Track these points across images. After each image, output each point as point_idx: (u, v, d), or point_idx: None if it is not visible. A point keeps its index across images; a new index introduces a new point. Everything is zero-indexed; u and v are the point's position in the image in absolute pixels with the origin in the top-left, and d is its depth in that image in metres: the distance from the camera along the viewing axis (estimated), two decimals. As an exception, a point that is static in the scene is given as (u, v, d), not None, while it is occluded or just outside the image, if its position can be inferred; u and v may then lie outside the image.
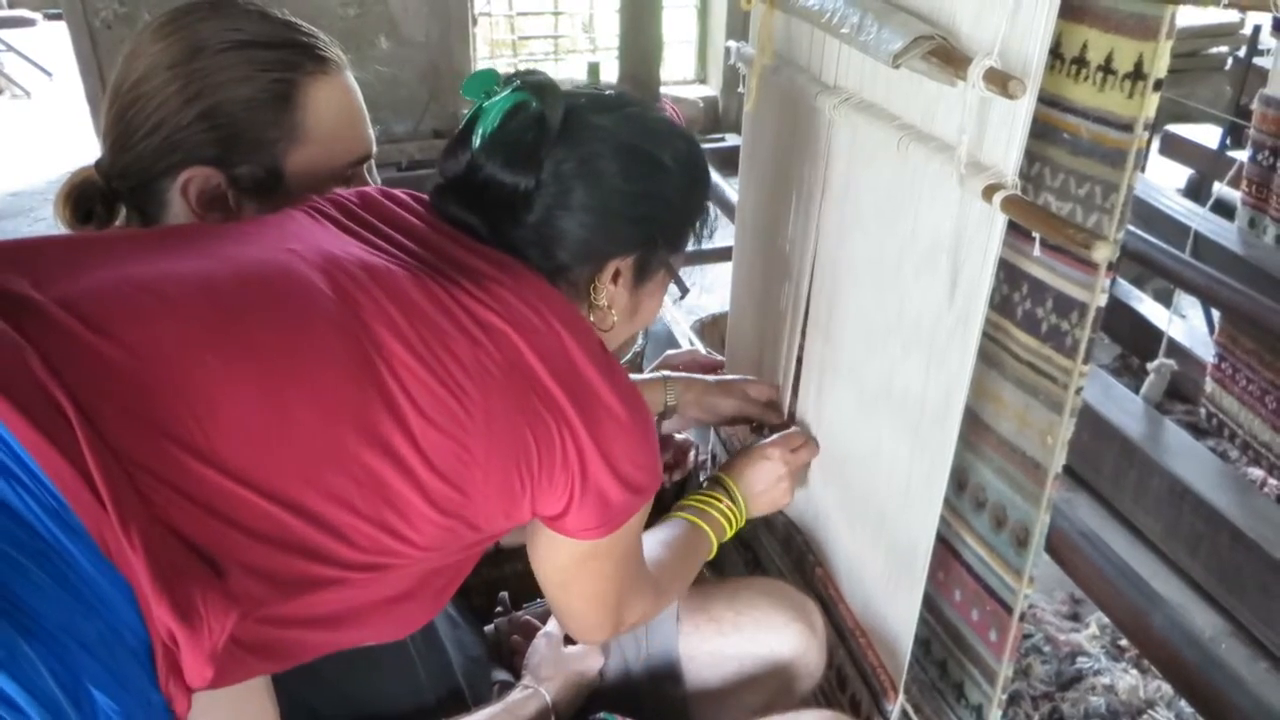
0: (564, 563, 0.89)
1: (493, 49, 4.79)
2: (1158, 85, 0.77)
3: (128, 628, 0.63)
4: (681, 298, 1.04)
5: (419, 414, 0.73)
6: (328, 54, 0.97)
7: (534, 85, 0.88)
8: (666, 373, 1.30)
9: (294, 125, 0.94)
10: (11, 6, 6.46)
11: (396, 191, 0.91)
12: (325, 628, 0.76)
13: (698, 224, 0.97)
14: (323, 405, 0.71)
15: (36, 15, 6.27)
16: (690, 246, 0.98)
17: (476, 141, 0.87)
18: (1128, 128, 0.80)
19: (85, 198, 0.95)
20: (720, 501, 1.15)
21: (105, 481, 0.62)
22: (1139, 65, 0.77)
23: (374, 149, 1.02)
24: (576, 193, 0.86)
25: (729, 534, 1.15)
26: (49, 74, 5.65)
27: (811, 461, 1.25)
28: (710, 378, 1.32)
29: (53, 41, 5.54)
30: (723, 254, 2.31)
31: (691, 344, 2.00)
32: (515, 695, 1.05)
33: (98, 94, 3.71)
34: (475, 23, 4.08)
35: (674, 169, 0.91)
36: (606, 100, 0.92)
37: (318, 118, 0.95)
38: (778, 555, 1.40)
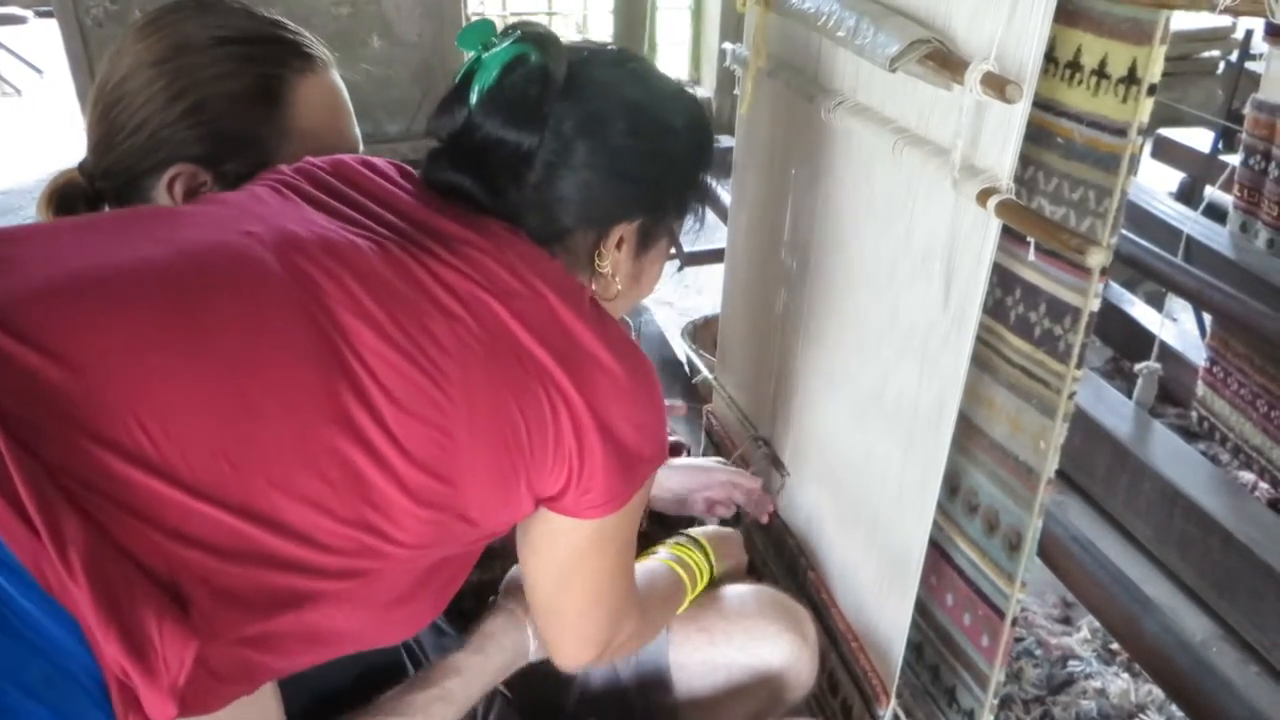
0: (564, 555, 0.84)
1: (486, 49, 4.77)
2: (1152, 90, 0.77)
3: (79, 665, 0.59)
4: (681, 269, 1.02)
5: (391, 402, 0.68)
6: (314, 51, 0.97)
7: (534, 36, 0.81)
8: None
9: (282, 122, 0.93)
10: (2, 4, 6.42)
11: (375, 159, 0.86)
12: (313, 641, 0.72)
13: (702, 190, 0.92)
14: (285, 402, 0.66)
15: (27, 13, 6.25)
16: (692, 220, 0.94)
17: (473, 98, 0.80)
18: (1121, 132, 0.79)
19: (68, 199, 0.94)
20: (696, 555, 1.13)
21: (39, 510, 0.57)
22: (1133, 70, 0.77)
23: (361, 148, 1.01)
24: (580, 151, 0.80)
25: (697, 591, 1.12)
26: (40, 72, 5.62)
27: (802, 465, 1.25)
28: (672, 466, 1.30)
29: (44, 39, 5.50)
30: (715, 255, 2.31)
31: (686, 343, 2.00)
32: (495, 620, 0.99)
33: (89, 92, 3.70)
34: (468, 22, 4.07)
35: (682, 130, 0.86)
36: (610, 55, 0.86)
37: (306, 114, 0.94)
38: (771, 559, 1.39)
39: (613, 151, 0.82)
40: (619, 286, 0.88)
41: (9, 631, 0.58)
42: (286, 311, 0.68)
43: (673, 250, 0.94)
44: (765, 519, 1.32)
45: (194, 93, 0.90)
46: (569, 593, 0.88)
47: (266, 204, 0.78)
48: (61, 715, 0.58)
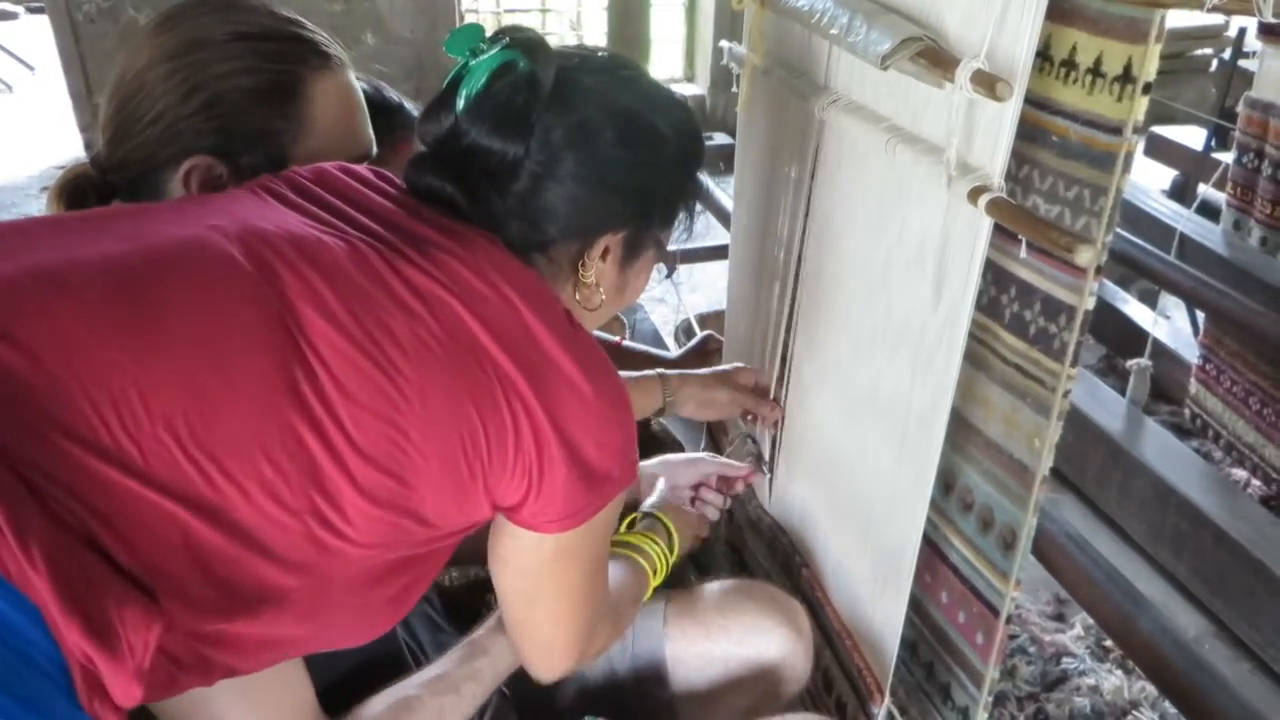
0: (530, 569, 0.83)
1: (480, 46, 4.77)
2: (1147, 89, 0.77)
3: (39, 652, 0.59)
4: (668, 276, 1.01)
5: (344, 394, 0.68)
6: (331, 50, 0.98)
7: (523, 43, 0.80)
8: (662, 370, 1.29)
9: (299, 118, 0.94)
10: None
11: (357, 167, 0.86)
12: (267, 643, 0.72)
13: (691, 199, 0.91)
14: (240, 389, 0.66)
15: (18, 8, 6.22)
16: (680, 227, 0.93)
17: (460, 104, 0.79)
18: (1117, 131, 0.79)
19: (79, 192, 0.95)
20: (658, 543, 1.11)
21: (0, 503, 0.57)
22: (1128, 68, 0.77)
23: (374, 150, 1.02)
24: (568, 162, 0.80)
25: (659, 579, 1.10)
26: (31, 68, 5.59)
27: (796, 463, 1.25)
28: (704, 371, 1.31)
29: (35, 35, 5.49)
30: (711, 253, 2.31)
31: (679, 343, 2.00)
32: None
33: (80, 88, 3.68)
34: (462, 19, 4.07)
35: (671, 137, 0.85)
36: (599, 62, 0.85)
37: (322, 111, 0.95)
38: (764, 556, 1.39)
39: (600, 162, 0.81)
40: (603, 297, 0.87)
41: None
42: (244, 300, 0.68)
43: (662, 257, 0.93)
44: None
45: (212, 86, 0.91)
46: (538, 606, 0.86)
47: (241, 202, 0.78)
48: (22, 702, 0.58)
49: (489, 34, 0.83)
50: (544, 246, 0.83)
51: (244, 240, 0.71)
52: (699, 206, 0.94)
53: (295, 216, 0.76)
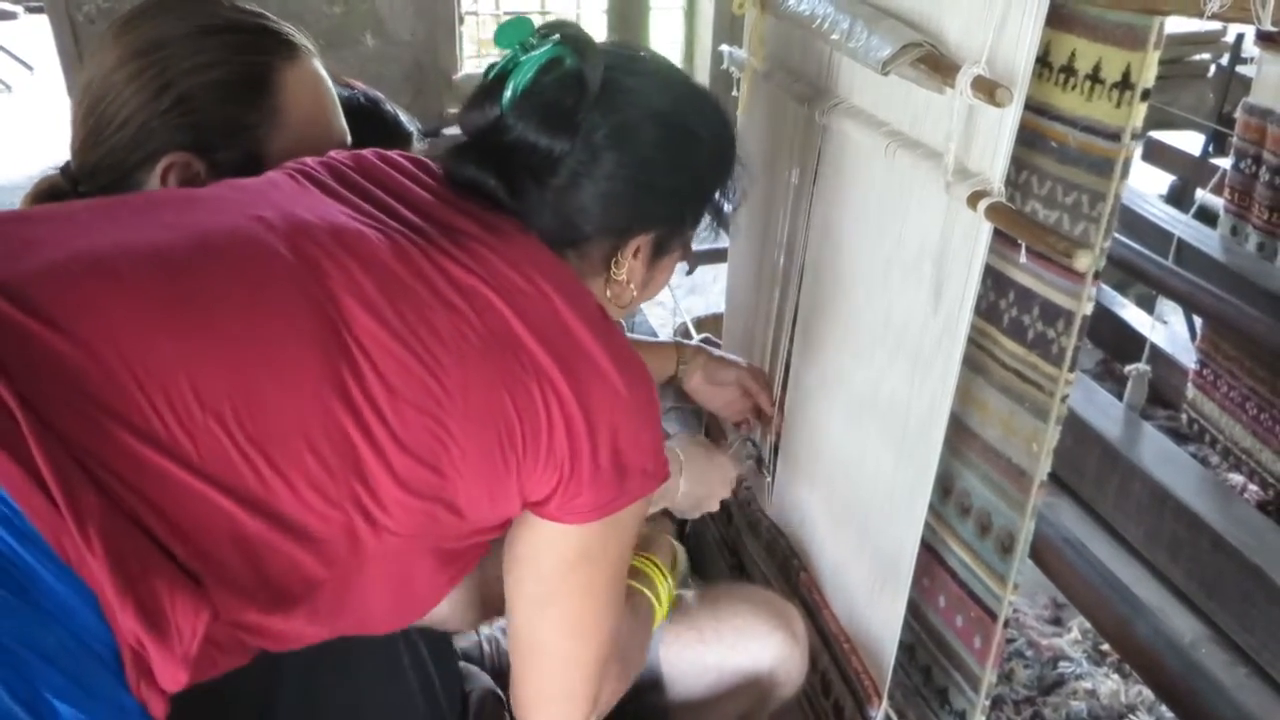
0: (547, 568, 0.80)
1: (479, 48, 4.77)
2: (1145, 95, 0.77)
3: (93, 635, 0.61)
4: (689, 272, 1.02)
5: (387, 387, 0.69)
6: (296, 40, 0.98)
7: (573, 40, 0.81)
8: (679, 339, 1.30)
9: (272, 110, 0.93)
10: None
11: (393, 154, 0.86)
12: (302, 634, 0.73)
13: (722, 201, 0.92)
14: (286, 381, 0.67)
15: (17, 8, 6.22)
16: (708, 226, 0.94)
17: (507, 97, 0.80)
18: (1115, 137, 0.80)
19: (53, 201, 0.93)
20: (662, 573, 1.07)
21: (59, 485, 0.59)
22: (1127, 75, 0.78)
23: (348, 139, 1.01)
24: (607, 162, 0.80)
25: (663, 612, 1.06)
26: (30, 68, 5.59)
27: (794, 466, 1.25)
28: (715, 350, 1.33)
29: (34, 35, 5.48)
30: (713, 255, 2.32)
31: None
32: None
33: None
34: (462, 21, 4.06)
35: (708, 141, 0.87)
36: (639, 62, 0.86)
37: (295, 102, 0.95)
38: (762, 560, 1.40)
39: (639, 164, 0.82)
40: (634, 293, 0.88)
41: (29, 601, 0.59)
42: (290, 294, 0.69)
43: (687, 255, 0.94)
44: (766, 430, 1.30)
45: (182, 82, 0.90)
46: (550, 618, 0.82)
47: (281, 190, 0.79)
48: (77, 682, 0.60)
49: (537, 29, 0.83)
50: (577, 242, 0.83)
51: (288, 233, 0.72)
52: (728, 207, 0.95)
53: (336, 206, 0.77)
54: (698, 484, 1.16)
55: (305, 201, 0.77)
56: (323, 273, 0.71)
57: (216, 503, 0.65)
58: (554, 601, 0.82)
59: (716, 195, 0.91)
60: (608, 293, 0.87)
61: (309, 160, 0.84)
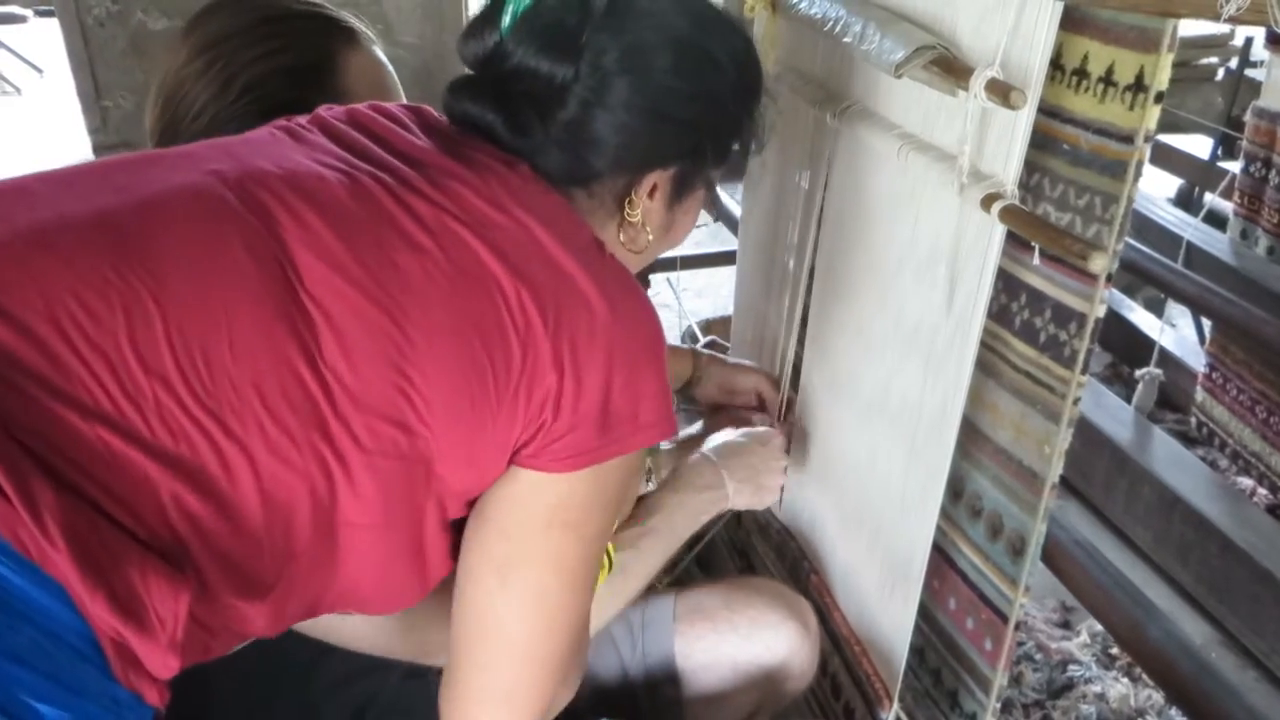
0: (515, 523, 0.72)
1: (487, 51, 4.79)
2: (1159, 98, 0.77)
3: (67, 629, 0.58)
4: (715, 220, 1.01)
5: (346, 344, 0.64)
6: (355, 26, 1.01)
7: None
8: (695, 346, 1.30)
9: (337, 93, 0.96)
10: (2, 3, 6.43)
11: (391, 105, 0.81)
12: (282, 604, 0.69)
13: (747, 135, 0.85)
14: (240, 348, 0.63)
15: (28, 12, 6.26)
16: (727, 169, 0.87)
17: (506, 21, 0.74)
18: (1128, 139, 0.80)
19: None
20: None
21: (10, 477, 0.55)
22: (1140, 77, 0.78)
23: None
24: (619, 88, 0.74)
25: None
26: (40, 71, 5.62)
27: (801, 467, 1.26)
28: (729, 359, 1.34)
29: (44, 38, 5.50)
30: (719, 258, 2.32)
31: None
32: (689, 461, 1.04)
33: (89, 91, 3.69)
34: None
35: (730, 68, 0.79)
36: None
37: (357, 85, 0.98)
38: (772, 562, 1.40)
39: (654, 91, 0.76)
40: (650, 237, 0.82)
41: None
42: (239, 252, 0.65)
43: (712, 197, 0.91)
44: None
45: (247, 72, 0.95)
46: (512, 588, 0.74)
47: (250, 143, 0.74)
48: (55, 681, 0.57)
49: None
50: (587, 180, 0.78)
51: (239, 183, 0.67)
52: (753, 147, 0.88)
53: (303, 152, 0.72)
54: (746, 480, 1.14)
55: (274, 152, 0.72)
56: (275, 221, 0.66)
57: (169, 483, 0.61)
58: (519, 567, 0.73)
59: (742, 130, 0.84)
60: (621, 237, 0.81)
61: (300, 116, 0.79)
